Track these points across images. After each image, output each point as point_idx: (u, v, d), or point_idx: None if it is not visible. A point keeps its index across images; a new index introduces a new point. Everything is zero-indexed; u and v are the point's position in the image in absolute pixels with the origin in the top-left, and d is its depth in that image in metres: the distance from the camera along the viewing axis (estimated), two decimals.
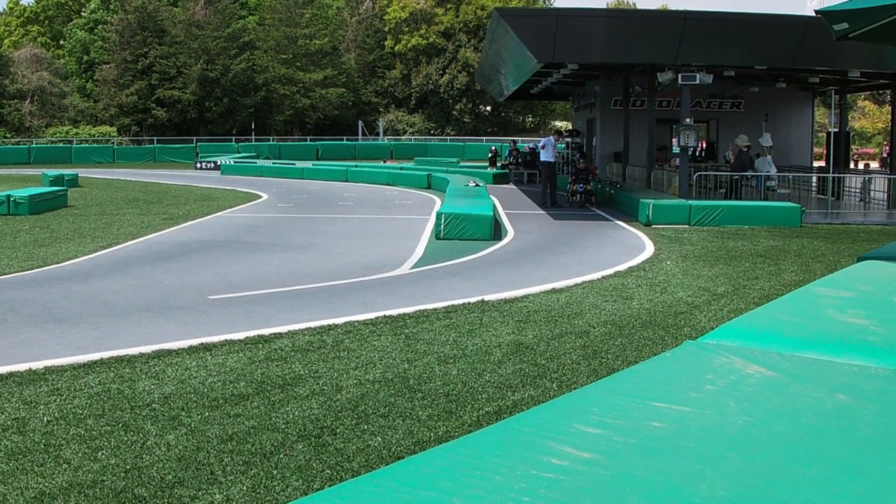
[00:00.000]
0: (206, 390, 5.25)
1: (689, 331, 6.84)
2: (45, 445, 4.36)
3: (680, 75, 16.02)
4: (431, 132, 52.84)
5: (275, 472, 4.02)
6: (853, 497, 1.83)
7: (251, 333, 6.71)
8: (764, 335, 3.27)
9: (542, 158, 19.07)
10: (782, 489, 1.86)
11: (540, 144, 20.07)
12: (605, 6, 54.99)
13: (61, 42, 58.01)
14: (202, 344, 6.38)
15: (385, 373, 5.64)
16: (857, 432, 2.26)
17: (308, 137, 49.99)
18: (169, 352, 6.17)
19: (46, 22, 60.44)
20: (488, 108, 55.91)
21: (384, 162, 36.84)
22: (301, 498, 2.09)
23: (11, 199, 16.80)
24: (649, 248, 11.98)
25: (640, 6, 65.00)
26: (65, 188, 20.23)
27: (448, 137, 50.16)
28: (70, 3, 59.72)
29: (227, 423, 4.67)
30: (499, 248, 12.26)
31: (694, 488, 1.85)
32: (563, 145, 25.62)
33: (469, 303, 7.96)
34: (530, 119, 58.96)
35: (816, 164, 25.22)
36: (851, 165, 21.59)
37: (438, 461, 2.01)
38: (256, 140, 47.63)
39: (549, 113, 57.88)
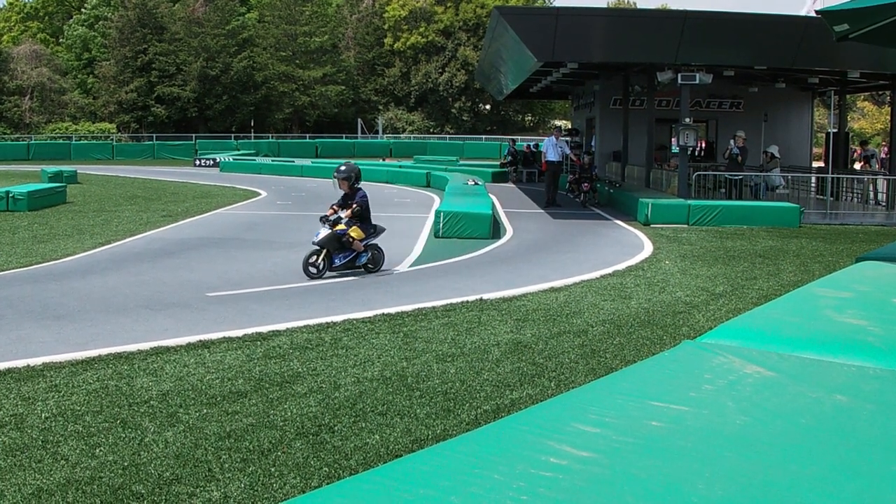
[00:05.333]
0: (204, 387, 5.25)
1: (688, 330, 6.84)
2: (42, 442, 4.36)
3: (679, 75, 16.02)
4: (430, 130, 52.81)
5: (272, 469, 4.02)
6: (851, 497, 1.83)
7: (249, 331, 6.71)
8: (762, 335, 3.26)
9: (547, 159, 19.07)
10: (780, 489, 1.86)
11: (542, 146, 20.01)
12: (605, 5, 54.96)
13: (61, 38, 57.90)
14: (200, 341, 6.38)
15: (383, 371, 5.64)
16: (855, 433, 2.26)
17: (307, 135, 49.97)
18: (167, 349, 6.16)
19: (46, 18, 60.33)
20: (487, 107, 55.89)
21: (383, 160, 36.82)
22: (299, 496, 2.08)
23: (10, 195, 16.78)
24: (648, 248, 11.99)
25: (640, 6, 65.00)
26: (63, 185, 20.23)
27: (447, 136, 50.14)
28: None
29: (225, 421, 4.66)
30: (498, 247, 12.26)
31: (692, 488, 1.85)
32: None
33: (467, 301, 7.96)
34: (529, 118, 58.92)
35: (815, 164, 25.23)
36: (857, 166, 21.57)
37: (436, 459, 2.01)
38: (255, 137, 47.62)
39: (549, 112, 57.85)
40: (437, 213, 13.63)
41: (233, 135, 48.25)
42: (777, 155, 17.90)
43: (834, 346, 3.09)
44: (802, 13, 25.92)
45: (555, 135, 19.92)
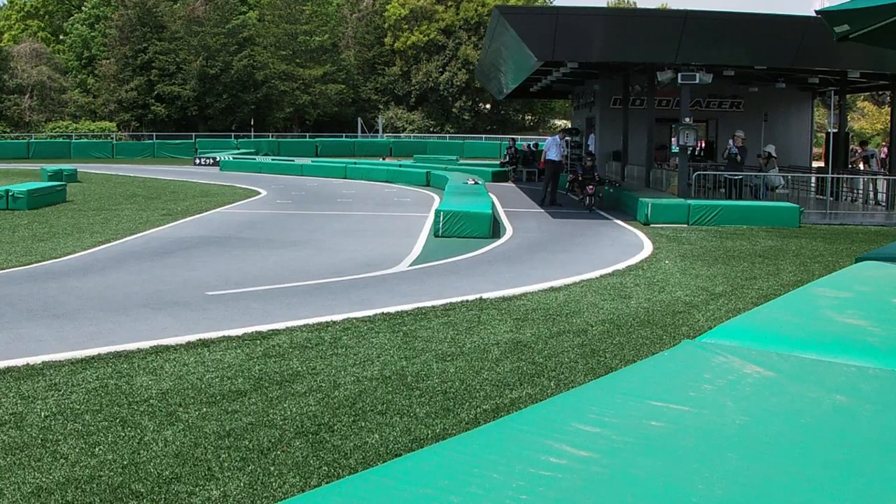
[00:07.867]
0: (203, 386, 5.25)
1: (688, 330, 6.84)
2: (42, 440, 4.36)
3: (679, 74, 16.02)
4: (431, 130, 52.77)
5: (272, 468, 4.01)
6: (851, 497, 1.83)
7: (249, 330, 6.71)
8: (762, 335, 3.26)
9: (548, 158, 19.10)
10: (780, 489, 1.86)
11: (545, 145, 20.05)
12: (605, 5, 54.93)
13: (61, 37, 57.87)
14: (200, 340, 6.38)
15: (383, 370, 5.64)
16: (854, 432, 2.26)
17: (307, 134, 49.94)
18: (166, 347, 6.16)
19: (46, 17, 60.29)
20: (488, 106, 55.84)
21: (383, 159, 36.79)
22: (298, 495, 2.08)
23: (10, 193, 16.77)
24: (648, 248, 11.99)
25: (640, 5, 64.98)
26: (63, 183, 20.22)
27: (447, 135, 50.12)
28: None
29: (225, 420, 4.66)
30: (497, 246, 12.25)
31: (692, 487, 1.85)
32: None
33: (467, 301, 7.95)
34: (529, 117, 58.91)
35: (815, 164, 25.22)
36: (862, 166, 21.53)
37: (436, 459, 2.01)
38: (256, 136, 47.59)
39: (549, 111, 57.82)
40: (437, 212, 13.62)
41: (233, 134, 48.20)
42: (774, 154, 17.89)
43: (834, 346, 3.09)
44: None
45: (560, 135, 20.02)
